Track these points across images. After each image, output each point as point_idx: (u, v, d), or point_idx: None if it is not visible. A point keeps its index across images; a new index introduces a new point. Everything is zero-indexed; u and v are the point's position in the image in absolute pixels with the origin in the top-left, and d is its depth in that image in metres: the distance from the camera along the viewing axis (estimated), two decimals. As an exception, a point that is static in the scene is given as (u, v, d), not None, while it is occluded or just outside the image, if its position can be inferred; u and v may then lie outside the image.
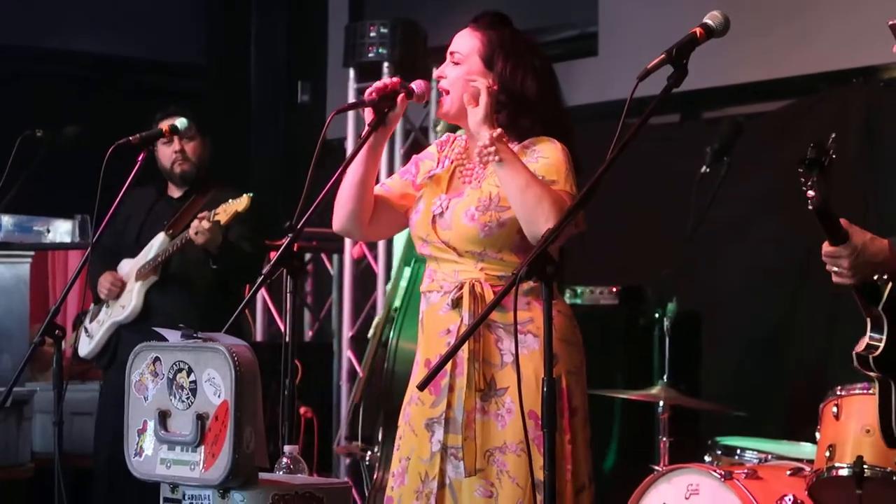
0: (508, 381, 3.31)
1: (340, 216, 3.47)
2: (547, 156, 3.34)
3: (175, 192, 5.40)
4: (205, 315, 4.97)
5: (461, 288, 3.34)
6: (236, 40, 8.55)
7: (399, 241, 5.23)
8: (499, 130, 3.26)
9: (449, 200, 3.42)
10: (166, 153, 5.32)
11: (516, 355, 3.08)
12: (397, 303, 5.17)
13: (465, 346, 3.27)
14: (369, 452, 4.79)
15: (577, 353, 3.42)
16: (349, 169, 3.42)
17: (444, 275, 3.40)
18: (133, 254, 5.32)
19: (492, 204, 3.34)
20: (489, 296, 3.31)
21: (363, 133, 3.43)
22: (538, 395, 3.10)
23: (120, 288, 5.29)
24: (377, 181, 3.51)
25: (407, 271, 4.76)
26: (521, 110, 3.38)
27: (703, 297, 5.84)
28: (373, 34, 6.46)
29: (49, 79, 7.62)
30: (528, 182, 3.22)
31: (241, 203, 4.98)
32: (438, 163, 3.53)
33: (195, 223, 5.01)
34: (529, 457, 3.22)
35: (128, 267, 5.32)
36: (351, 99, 6.58)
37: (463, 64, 3.41)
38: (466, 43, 3.44)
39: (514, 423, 3.29)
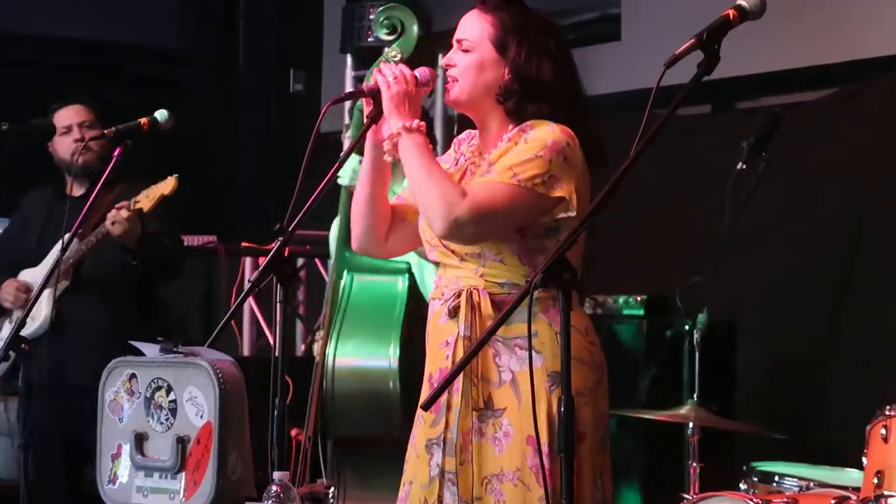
0: (506, 401, 3.29)
1: (356, 234, 3.52)
2: (530, 139, 3.29)
3: (76, 191, 5.27)
4: (124, 322, 4.93)
5: (458, 296, 3.32)
6: (224, 25, 8.55)
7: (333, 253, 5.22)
8: (400, 125, 3.29)
9: (451, 199, 3.39)
10: (65, 144, 5.20)
11: (530, 369, 3.02)
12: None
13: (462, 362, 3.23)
14: (332, 489, 4.74)
15: (589, 373, 3.36)
16: (358, 184, 3.46)
17: (447, 281, 3.40)
18: (35, 261, 5.23)
19: None
20: (486, 305, 3.30)
21: (362, 127, 3.42)
22: (538, 417, 3.06)
23: (27, 294, 5.17)
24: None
25: (341, 284, 4.73)
26: (534, 96, 3.35)
27: (736, 307, 5.81)
28: (372, 16, 6.42)
29: (28, 66, 7.61)
30: (419, 181, 3.27)
31: (167, 186, 4.88)
32: (455, 162, 3.51)
33: (112, 213, 4.90)
34: (545, 477, 3.15)
35: (31, 276, 5.22)
36: (348, 88, 6.55)
37: (474, 51, 3.38)
38: (475, 28, 3.40)
39: (511, 448, 3.26)
